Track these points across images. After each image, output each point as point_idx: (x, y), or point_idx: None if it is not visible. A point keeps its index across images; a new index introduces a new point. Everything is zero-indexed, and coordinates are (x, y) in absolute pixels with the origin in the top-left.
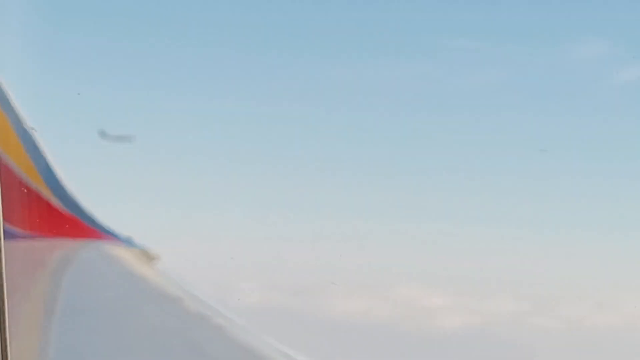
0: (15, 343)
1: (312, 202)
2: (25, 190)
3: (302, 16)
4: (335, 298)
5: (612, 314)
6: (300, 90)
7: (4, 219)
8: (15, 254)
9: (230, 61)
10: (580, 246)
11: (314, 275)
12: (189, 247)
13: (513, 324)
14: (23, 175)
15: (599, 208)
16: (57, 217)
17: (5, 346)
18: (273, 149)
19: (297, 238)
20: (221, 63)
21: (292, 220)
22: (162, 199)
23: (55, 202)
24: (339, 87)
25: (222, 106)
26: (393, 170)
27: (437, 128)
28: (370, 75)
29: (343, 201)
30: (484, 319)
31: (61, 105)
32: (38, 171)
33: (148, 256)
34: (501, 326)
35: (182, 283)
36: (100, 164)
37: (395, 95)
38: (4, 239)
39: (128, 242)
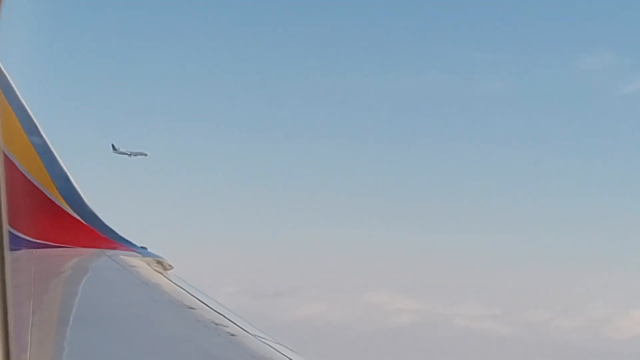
0: (32, 350)
1: (300, 209)
2: (41, 201)
3: (315, 29)
4: (305, 301)
5: (573, 318)
6: (310, 99)
7: (18, 227)
8: (30, 262)
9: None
10: (552, 253)
11: (289, 279)
12: (201, 256)
13: (475, 327)
14: (39, 185)
15: (592, 215)
16: (72, 227)
17: (8, 351)
18: (269, 152)
19: (280, 242)
20: (239, 76)
21: (278, 227)
22: (176, 212)
23: (70, 211)
24: (349, 96)
25: (232, 124)
26: (383, 176)
27: (444, 136)
28: (380, 86)
29: (323, 208)
30: (450, 322)
31: (78, 119)
32: (54, 181)
33: (162, 265)
34: (456, 328)
35: (196, 292)
36: (116, 176)
37: (404, 105)
38: (21, 247)
39: (142, 252)
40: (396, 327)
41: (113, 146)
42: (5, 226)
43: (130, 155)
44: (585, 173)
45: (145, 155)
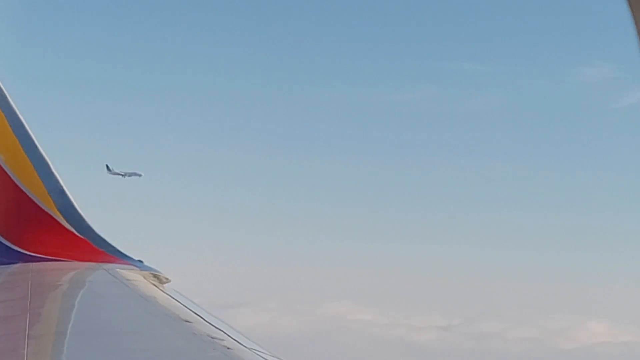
0: None
1: (283, 219)
2: (38, 214)
3: (307, 41)
4: (262, 311)
5: (527, 329)
6: (305, 113)
7: (15, 241)
8: (27, 275)
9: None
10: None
11: (248, 290)
12: (197, 270)
13: (424, 338)
14: (36, 199)
15: (578, 229)
16: (69, 240)
17: None
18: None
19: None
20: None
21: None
22: (173, 227)
23: (67, 224)
24: (344, 109)
25: (230, 137)
26: (367, 186)
27: (440, 149)
28: (375, 99)
29: (293, 216)
30: (408, 333)
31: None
32: (50, 195)
33: (159, 279)
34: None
35: (192, 305)
36: (113, 192)
37: (399, 119)
38: (18, 260)
39: (139, 265)
40: (352, 337)
41: (107, 167)
42: None
43: (124, 175)
44: (581, 186)
45: (140, 175)
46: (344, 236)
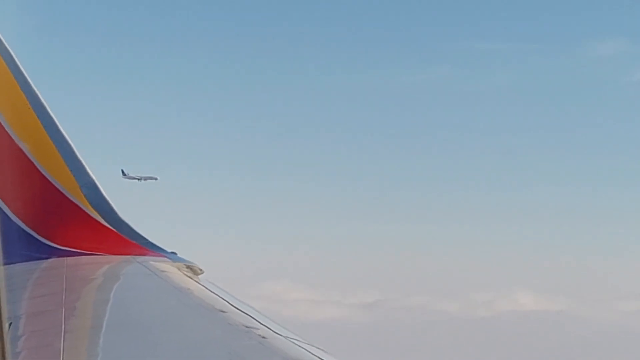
0: (65, 357)
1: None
2: (70, 209)
3: (324, 23)
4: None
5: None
6: (321, 94)
7: (48, 236)
8: (61, 270)
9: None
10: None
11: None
12: (230, 260)
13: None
14: (67, 194)
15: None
16: (102, 234)
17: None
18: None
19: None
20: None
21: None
22: (209, 220)
23: (99, 218)
24: (360, 91)
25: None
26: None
27: (455, 129)
28: (391, 80)
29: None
30: (337, 309)
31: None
32: (81, 189)
33: (193, 270)
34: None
35: (226, 296)
36: (130, 195)
37: (416, 99)
38: (52, 255)
39: (173, 257)
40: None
41: (123, 171)
42: None
43: (140, 180)
44: (594, 162)
45: (156, 179)
46: (320, 218)
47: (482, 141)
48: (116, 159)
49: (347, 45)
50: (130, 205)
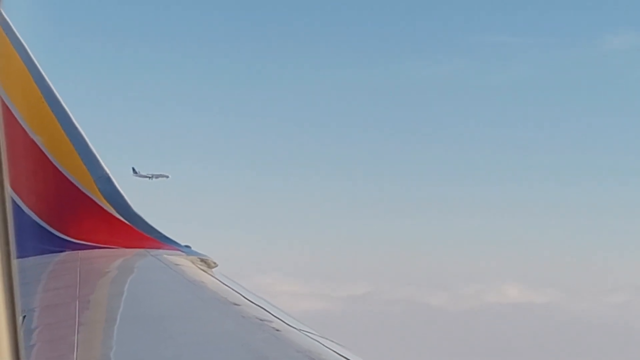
0: (79, 350)
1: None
2: (84, 202)
3: (338, 18)
4: None
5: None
6: (331, 88)
7: (62, 229)
8: (75, 263)
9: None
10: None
11: None
12: (243, 255)
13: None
14: (81, 187)
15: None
16: (116, 227)
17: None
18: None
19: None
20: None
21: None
22: (222, 213)
23: (113, 212)
24: (373, 85)
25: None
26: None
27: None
28: (405, 73)
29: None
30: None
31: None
32: (95, 183)
33: (206, 263)
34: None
35: (240, 289)
36: (142, 193)
37: (429, 92)
38: (66, 248)
39: (187, 250)
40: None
41: (134, 169)
42: (11, 228)
43: (151, 178)
44: (608, 157)
45: (167, 177)
46: (317, 210)
47: (494, 135)
48: (127, 156)
49: (359, 40)
50: (142, 204)
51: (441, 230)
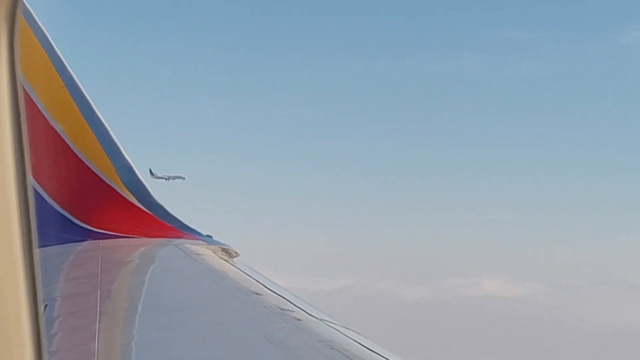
0: (100, 339)
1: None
2: (106, 192)
3: (355, 13)
4: None
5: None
6: (348, 83)
7: (84, 219)
8: (96, 252)
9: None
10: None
11: None
12: (266, 245)
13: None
14: (104, 177)
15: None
16: (137, 216)
17: (40, 350)
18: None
19: None
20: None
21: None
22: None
23: (135, 201)
24: (388, 80)
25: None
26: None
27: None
28: (421, 68)
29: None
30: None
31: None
32: (118, 172)
33: (228, 253)
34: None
35: (262, 278)
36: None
37: (446, 87)
38: (88, 238)
39: (208, 240)
40: None
41: (150, 171)
42: (33, 217)
43: (167, 179)
44: (625, 150)
45: (184, 179)
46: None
47: (494, 134)
48: (145, 158)
49: (376, 35)
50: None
51: (428, 225)
